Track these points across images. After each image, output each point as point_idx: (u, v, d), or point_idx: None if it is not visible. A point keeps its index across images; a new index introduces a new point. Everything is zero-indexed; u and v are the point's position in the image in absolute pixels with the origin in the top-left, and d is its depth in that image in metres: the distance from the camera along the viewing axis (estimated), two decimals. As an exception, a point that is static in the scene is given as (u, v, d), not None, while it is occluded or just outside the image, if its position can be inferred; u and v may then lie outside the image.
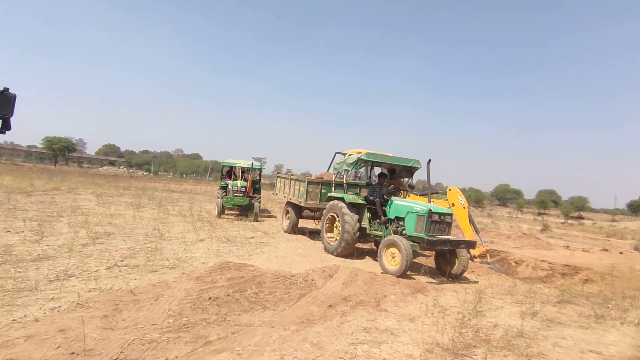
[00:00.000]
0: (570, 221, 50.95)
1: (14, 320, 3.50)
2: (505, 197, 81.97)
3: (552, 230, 26.41)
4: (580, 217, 62.38)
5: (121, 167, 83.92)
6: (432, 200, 8.79)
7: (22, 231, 7.32)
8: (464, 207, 8.76)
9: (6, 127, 2.36)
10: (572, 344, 4.26)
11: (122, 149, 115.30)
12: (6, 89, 2.03)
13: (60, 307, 3.93)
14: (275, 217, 15.76)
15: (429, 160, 8.37)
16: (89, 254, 6.23)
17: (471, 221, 8.87)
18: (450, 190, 9.09)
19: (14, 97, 1.31)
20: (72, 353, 2.95)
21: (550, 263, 9.57)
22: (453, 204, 8.91)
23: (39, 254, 5.86)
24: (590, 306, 5.88)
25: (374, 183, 9.14)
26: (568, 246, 14.76)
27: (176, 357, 3.06)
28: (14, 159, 68.28)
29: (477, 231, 8.91)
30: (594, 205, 75.36)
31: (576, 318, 5.36)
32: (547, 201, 71.53)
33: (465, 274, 7.76)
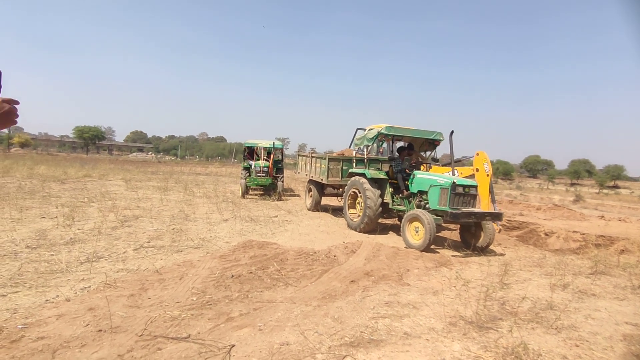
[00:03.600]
0: (605, 191, 48.81)
1: (47, 300, 3.66)
2: (536, 168, 79.34)
3: (585, 201, 25.38)
4: (617, 187, 59.68)
5: (149, 153, 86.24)
6: (456, 168, 8.53)
7: (56, 217, 7.62)
8: (488, 175, 8.43)
9: None
10: (607, 315, 4.07)
11: (149, 135, 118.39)
12: None
13: (89, 287, 4.08)
14: (298, 195, 15.82)
15: (452, 132, 8.08)
16: (117, 237, 6.43)
17: (491, 191, 8.53)
18: (478, 155, 8.73)
19: None
20: (100, 330, 3.05)
21: (583, 234, 9.19)
22: (477, 170, 8.59)
23: (70, 238, 6.09)
24: (627, 277, 5.62)
25: (395, 157, 8.95)
26: (603, 216, 14.13)
27: (198, 332, 3.11)
28: (49, 149, 71.31)
29: (493, 201, 8.57)
30: (631, 174, 71.90)
31: (611, 289, 5.13)
32: (580, 171, 68.71)
33: (491, 247, 7.57)
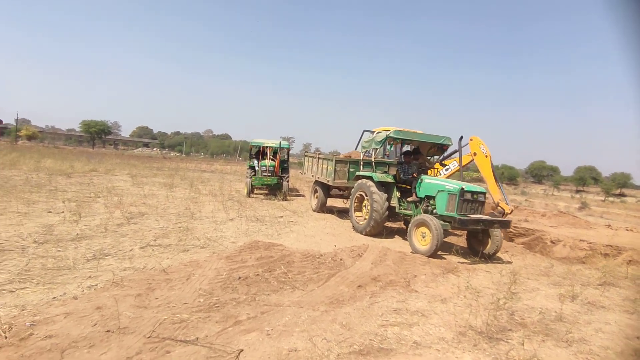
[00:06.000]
0: (611, 199, 48.40)
1: (54, 297, 3.65)
2: (541, 174, 78.77)
3: (591, 208, 25.18)
4: (623, 195, 59.21)
5: (154, 149, 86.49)
6: (455, 159, 8.40)
7: (62, 212, 7.63)
8: (486, 156, 8.22)
9: None
10: (617, 329, 4.02)
11: (155, 131, 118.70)
12: None
13: (96, 285, 4.07)
14: (303, 196, 15.79)
15: (461, 137, 8.03)
16: (123, 234, 6.43)
17: (493, 171, 8.27)
18: (472, 140, 8.56)
19: None
20: (108, 331, 3.03)
21: (590, 243, 9.09)
22: (475, 154, 8.40)
23: (77, 234, 6.09)
24: (635, 289, 5.56)
25: (403, 162, 8.90)
26: (610, 225, 13.99)
27: (206, 336, 3.09)
28: (56, 142, 71.68)
29: (497, 180, 8.26)
30: (638, 182, 71.19)
31: (620, 302, 5.07)
32: (586, 178, 68.19)
33: (498, 254, 7.52)
